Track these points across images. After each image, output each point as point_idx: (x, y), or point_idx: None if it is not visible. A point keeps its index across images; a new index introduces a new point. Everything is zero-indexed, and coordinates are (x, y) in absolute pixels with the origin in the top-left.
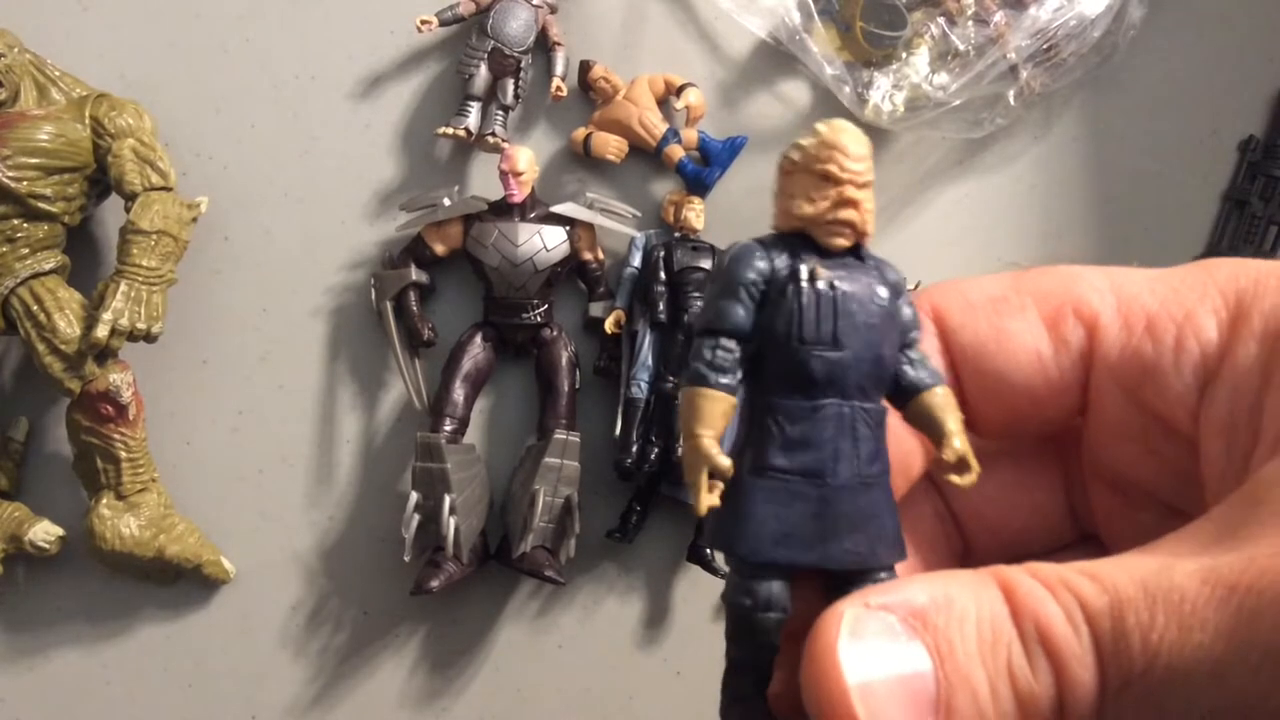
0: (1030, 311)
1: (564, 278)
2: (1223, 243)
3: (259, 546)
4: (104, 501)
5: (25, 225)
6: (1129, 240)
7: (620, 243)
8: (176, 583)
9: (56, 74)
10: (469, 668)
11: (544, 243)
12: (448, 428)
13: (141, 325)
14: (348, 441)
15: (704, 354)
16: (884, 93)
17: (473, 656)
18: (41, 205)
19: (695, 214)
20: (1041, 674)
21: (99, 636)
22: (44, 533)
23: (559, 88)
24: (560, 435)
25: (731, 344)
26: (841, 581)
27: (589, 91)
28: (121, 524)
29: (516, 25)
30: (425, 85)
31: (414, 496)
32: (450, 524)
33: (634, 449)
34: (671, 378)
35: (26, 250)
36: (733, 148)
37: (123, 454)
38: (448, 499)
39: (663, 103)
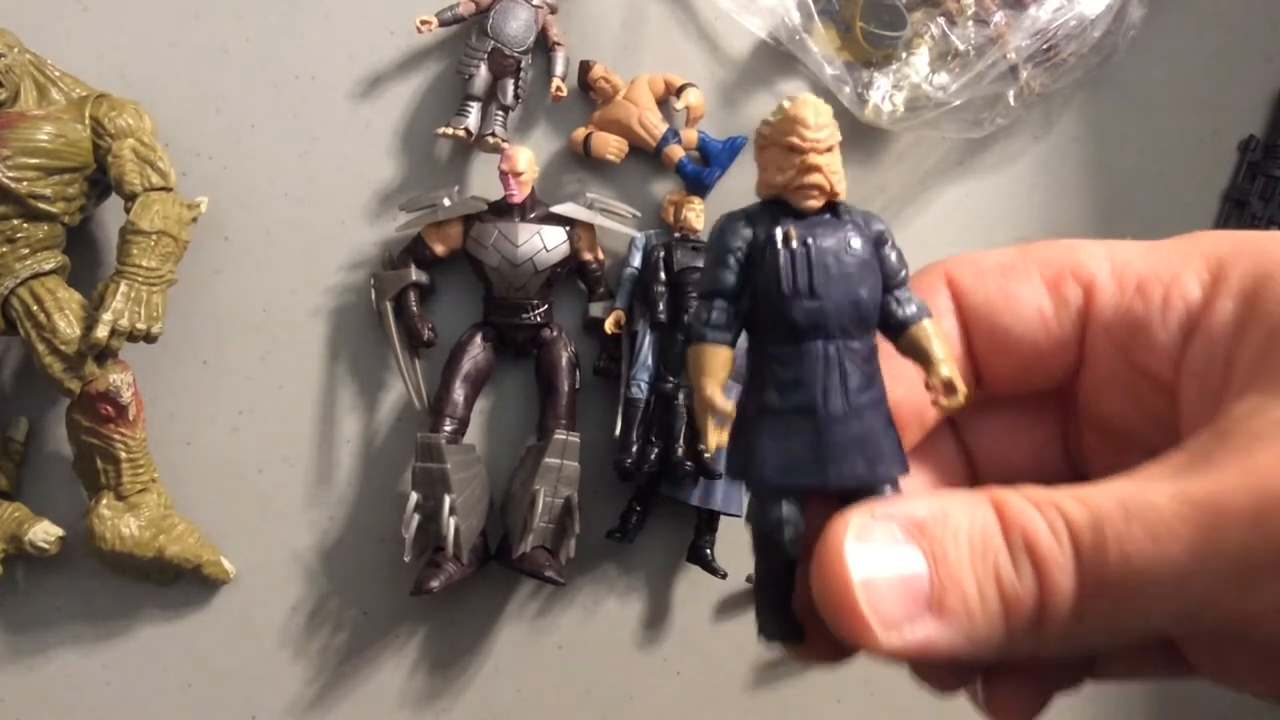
0: (1034, 276)
1: (564, 278)
2: None
3: (259, 546)
4: (104, 502)
5: (25, 225)
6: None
7: (620, 243)
8: (176, 583)
9: (56, 74)
10: (469, 668)
11: (544, 243)
12: (448, 428)
13: (141, 325)
14: (348, 441)
15: (701, 315)
16: (884, 93)
17: (473, 656)
18: (41, 205)
19: (695, 214)
20: (1025, 578)
21: (99, 636)
22: (44, 533)
23: (559, 88)
24: (560, 435)
25: (723, 304)
26: (851, 499)
27: (589, 91)
28: (121, 524)
29: (516, 25)
30: (425, 85)
31: (414, 496)
32: (450, 524)
33: (634, 449)
34: (671, 378)
35: (26, 250)
36: (732, 148)
37: (123, 454)
38: (448, 499)
39: (663, 103)
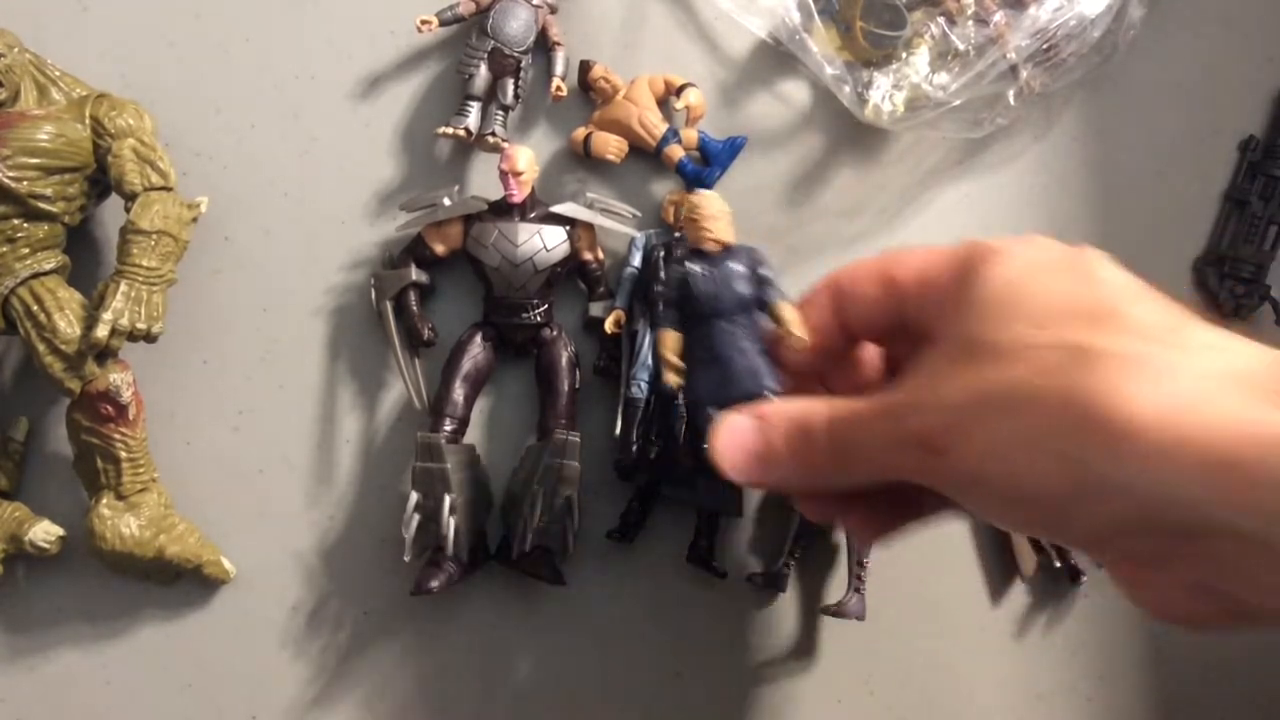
0: (873, 276)
1: (564, 278)
2: (1223, 242)
3: (259, 546)
4: (104, 501)
5: (25, 225)
6: (1129, 240)
7: (620, 243)
8: (176, 583)
9: (56, 74)
10: (469, 668)
11: (544, 243)
12: (448, 428)
13: (141, 325)
14: (348, 441)
15: (660, 313)
16: (884, 93)
17: (473, 656)
18: (41, 205)
19: None
20: (803, 443)
21: (99, 636)
22: (44, 533)
23: (559, 87)
24: (560, 435)
25: (671, 306)
26: (749, 403)
27: (589, 91)
28: (121, 524)
29: (516, 25)
30: (425, 85)
31: (414, 496)
32: (450, 524)
33: (634, 449)
34: None
35: (26, 250)
36: (733, 148)
37: (123, 454)
38: (448, 499)
39: (663, 103)
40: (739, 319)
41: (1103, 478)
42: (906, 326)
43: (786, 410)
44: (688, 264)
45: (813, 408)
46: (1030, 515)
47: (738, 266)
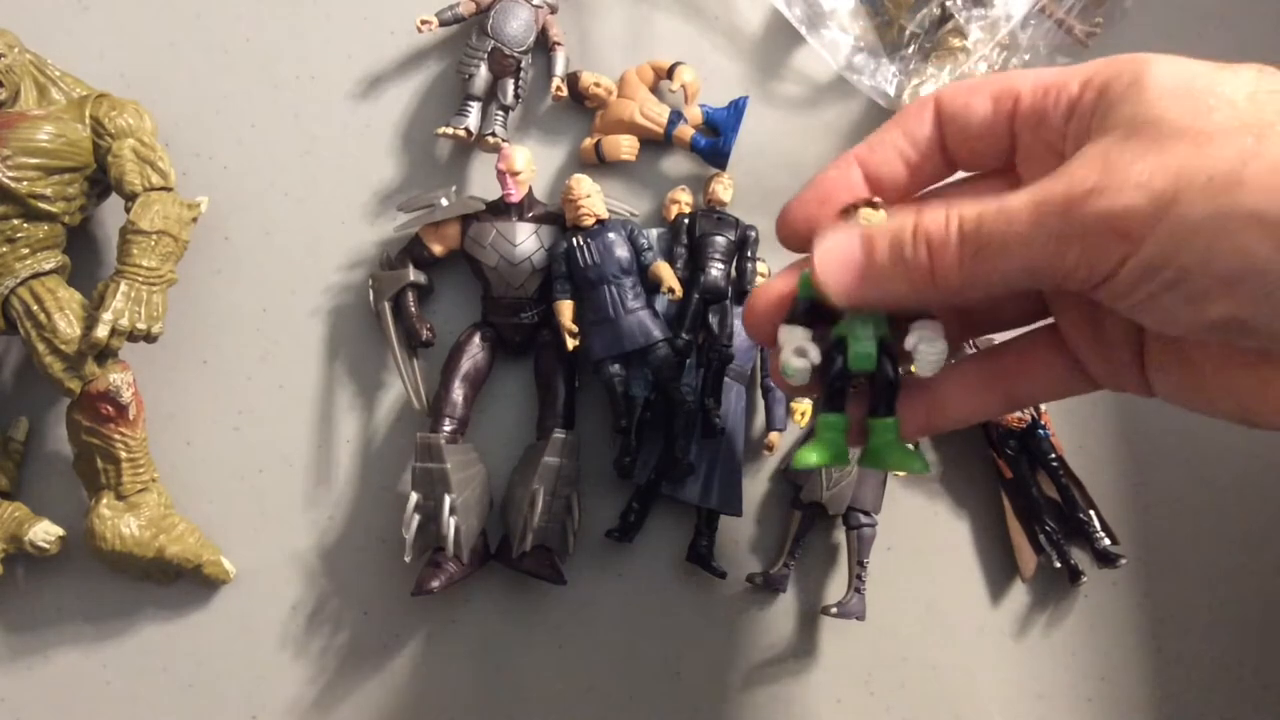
0: (985, 92)
1: None
2: None
3: (259, 546)
4: (104, 501)
5: (25, 225)
6: None
7: None
8: (176, 582)
9: (56, 74)
10: (469, 668)
11: (542, 242)
12: (447, 428)
13: (142, 325)
14: (348, 441)
15: (555, 287)
16: (939, 82)
17: (473, 656)
18: (41, 205)
19: (723, 187)
20: (917, 252)
21: (99, 636)
22: (44, 533)
23: (559, 87)
24: (560, 435)
25: (564, 280)
26: (636, 355)
27: (583, 101)
28: (121, 524)
29: (516, 25)
30: (425, 85)
31: (414, 497)
32: (450, 524)
33: (634, 448)
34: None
35: (26, 250)
36: (738, 111)
37: (123, 454)
38: (448, 499)
39: (656, 89)
40: (623, 282)
41: None
42: (1016, 147)
43: (892, 224)
44: (571, 239)
45: (931, 215)
46: (1226, 303)
47: (615, 236)
